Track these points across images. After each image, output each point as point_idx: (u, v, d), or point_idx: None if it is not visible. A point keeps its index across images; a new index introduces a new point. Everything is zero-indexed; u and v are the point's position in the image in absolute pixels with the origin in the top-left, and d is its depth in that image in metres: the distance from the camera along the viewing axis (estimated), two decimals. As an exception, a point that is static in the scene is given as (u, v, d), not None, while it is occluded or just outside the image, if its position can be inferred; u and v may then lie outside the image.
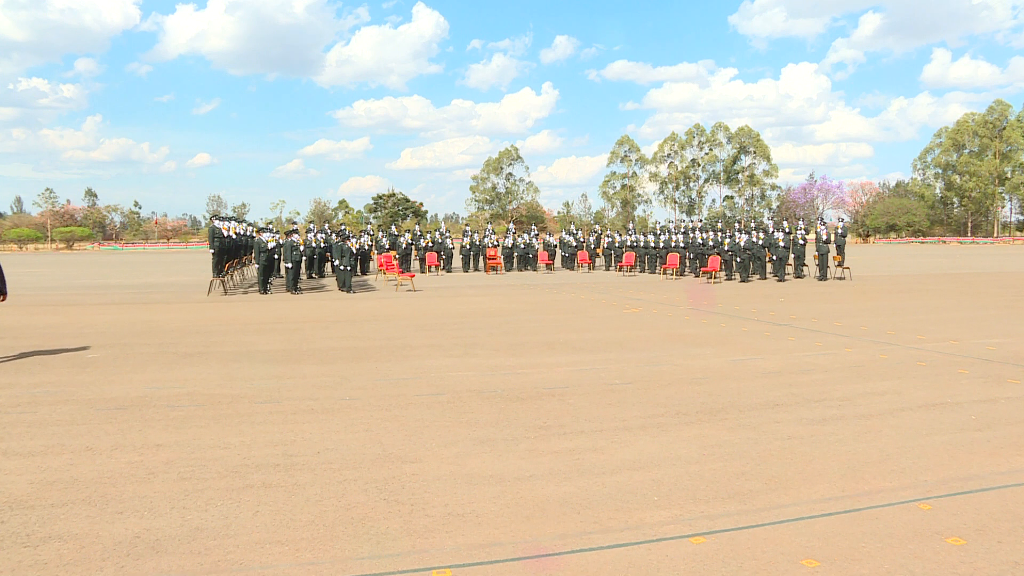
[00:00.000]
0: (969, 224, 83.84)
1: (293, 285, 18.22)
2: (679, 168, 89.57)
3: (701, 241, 24.08)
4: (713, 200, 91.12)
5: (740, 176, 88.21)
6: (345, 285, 18.63)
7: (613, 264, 29.84)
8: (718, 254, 22.56)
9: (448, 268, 28.66)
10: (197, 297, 17.18)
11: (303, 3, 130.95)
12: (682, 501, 4.05)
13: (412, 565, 3.31)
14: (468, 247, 28.96)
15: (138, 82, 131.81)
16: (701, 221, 37.20)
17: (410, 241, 28.33)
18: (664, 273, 24.76)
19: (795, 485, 4.29)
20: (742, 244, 21.89)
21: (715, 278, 22.00)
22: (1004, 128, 79.28)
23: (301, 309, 14.38)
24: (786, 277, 22.25)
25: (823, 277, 21.50)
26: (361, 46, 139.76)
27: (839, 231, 22.75)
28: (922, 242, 79.27)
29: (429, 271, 27.08)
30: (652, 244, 26.63)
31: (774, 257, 22.08)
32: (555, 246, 33.42)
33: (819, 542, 3.50)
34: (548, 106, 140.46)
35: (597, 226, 53.64)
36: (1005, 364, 7.95)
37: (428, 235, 28.76)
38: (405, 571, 3.26)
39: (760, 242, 22.10)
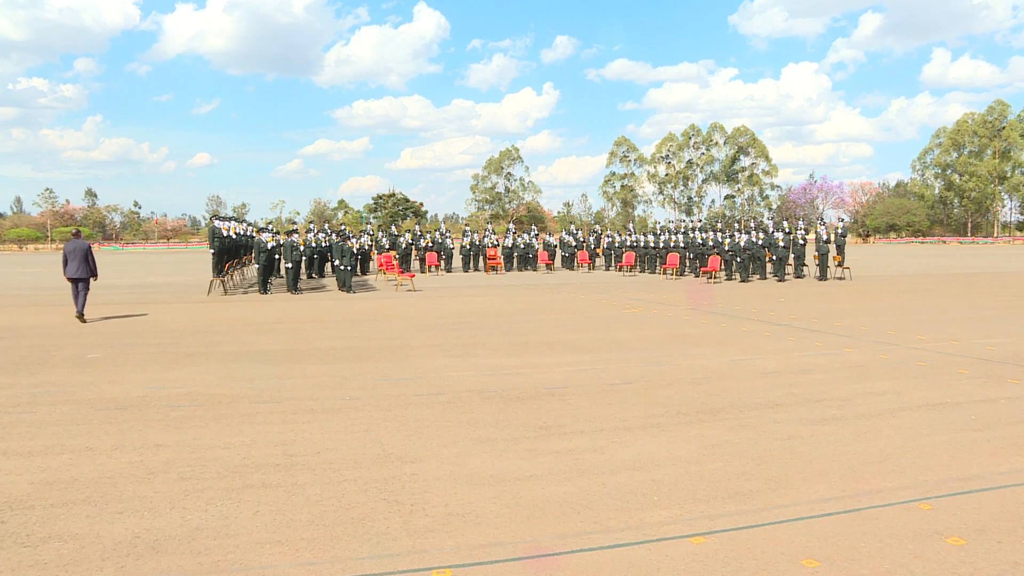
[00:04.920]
0: (969, 224, 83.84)
1: (293, 285, 18.22)
2: (676, 168, 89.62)
3: (701, 241, 24.08)
4: (712, 200, 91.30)
5: (740, 176, 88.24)
6: (345, 285, 18.63)
7: (613, 264, 29.84)
8: (718, 254, 22.56)
9: (448, 268, 28.66)
10: (197, 297, 17.18)
11: (302, 3, 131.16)
12: (682, 501, 4.05)
13: (412, 565, 3.31)
14: (468, 247, 28.95)
15: (138, 82, 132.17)
16: (701, 221, 37.15)
17: (410, 241, 28.32)
18: (664, 273, 24.76)
19: (795, 485, 4.29)
20: (742, 244, 21.88)
21: (715, 278, 22.00)
22: (1003, 128, 79.26)
23: (301, 309, 14.38)
24: (786, 277, 22.25)
25: (823, 277, 21.50)
26: (361, 46, 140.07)
27: (839, 231, 22.75)
28: (922, 242, 79.26)
29: (429, 271, 27.08)
30: (652, 244, 26.63)
31: (774, 257, 22.08)
32: (555, 246, 33.41)
33: (819, 542, 3.50)
34: (548, 106, 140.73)
35: (597, 226, 53.61)
36: (1005, 364, 7.95)
37: (428, 235, 28.75)
38: (405, 571, 3.26)
39: (760, 242, 22.09)
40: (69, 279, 12.24)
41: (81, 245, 12.40)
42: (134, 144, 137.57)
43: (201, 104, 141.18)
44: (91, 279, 12.39)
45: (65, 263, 12.24)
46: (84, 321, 12.15)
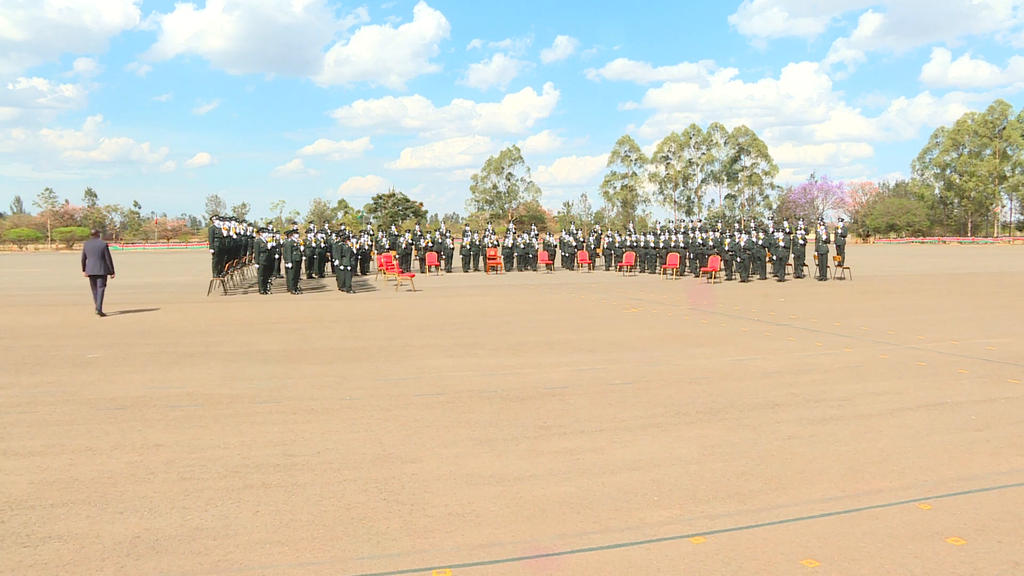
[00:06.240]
0: (969, 224, 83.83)
1: (293, 285, 18.22)
2: (677, 168, 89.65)
3: (701, 241, 24.08)
4: (712, 200, 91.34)
5: (740, 176, 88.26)
6: (345, 285, 18.63)
7: (613, 264, 29.84)
8: (718, 254, 22.56)
9: (448, 268, 28.66)
10: (197, 297, 17.18)
11: (302, 3, 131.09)
12: (682, 501, 4.05)
13: (412, 565, 3.31)
14: (468, 247, 28.95)
15: (137, 82, 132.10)
16: (701, 221, 37.15)
17: (410, 241, 28.32)
18: (664, 273, 24.76)
19: (795, 485, 4.29)
20: (742, 244, 21.88)
21: (715, 278, 22.00)
22: (1004, 128, 79.24)
23: (301, 309, 14.38)
24: (786, 277, 22.25)
25: (823, 277, 21.50)
26: (360, 46, 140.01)
27: (839, 231, 22.75)
28: (922, 242, 79.26)
29: (429, 271, 27.08)
30: (652, 244, 26.64)
31: (774, 257, 22.08)
32: (555, 246, 33.41)
33: (819, 542, 3.50)
34: (549, 106, 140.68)
35: (597, 226, 53.62)
36: (1005, 364, 7.95)
37: (428, 235, 28.75)
38: (405, 571, 3.26)
39: (760, 242, 22.09)
40: (88, 276, 13.12)
41: (99, 244, 13.32)
42: (134, 144, 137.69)
43: (201, 104, 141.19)
44: (108, 276, 13.28)
45: (84, 261, 13.13)
46: (103, 315, 12.99)
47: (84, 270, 13.13)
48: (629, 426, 5.58)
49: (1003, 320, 11.86)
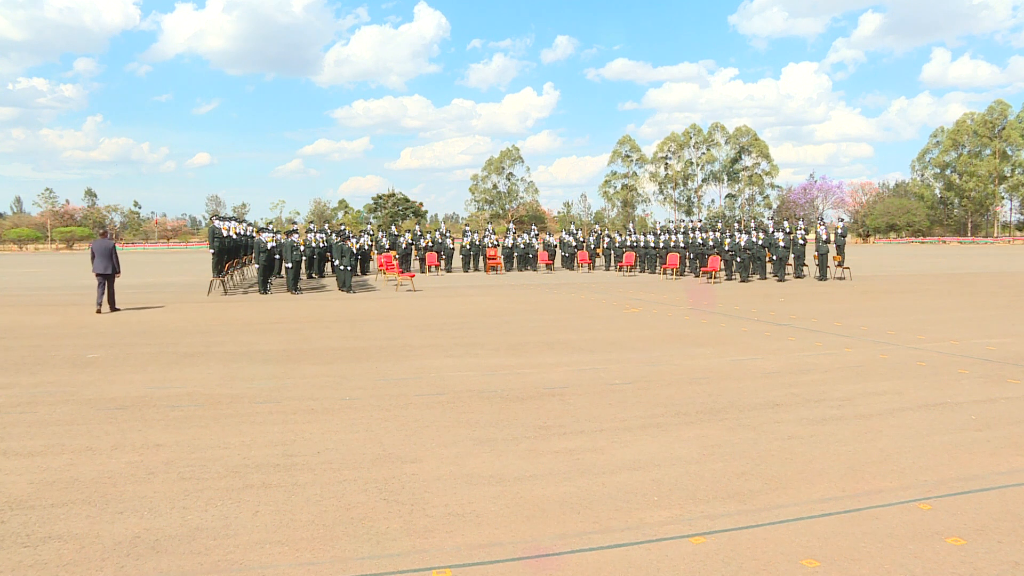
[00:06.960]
0: (969, 224, 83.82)
1: (293, 285, 18.22)
2: (677, 168, 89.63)
3: (701, 241, 24.08)
4: (712, 200, 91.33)
5: (740, 176, 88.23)
6: (345, 285, 18.63)
7: (613, 264, 29.84)
8: (718, 254, 22.56)
9: (448, 268, 28.66)
10: (197, 297, 17.17)
11: (302, 3, 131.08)
12: (682, 501, 4.06)
13: (412, 565, 3.31)
14: (468, 247, 28.95)
15: (137, 82, 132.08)
16: (701, 221, 37.12)
17: (410, 241, 28.33)
18: (664, 273, 24.76)
19: (795, 485, 4.29)
20: (742, 244, 21.88)
21: (715, 278, 22.00)
22: (1003, 128, 79.22)
23: (301, 309, 14.38)
24: (786, 277, 22.24)
25: (823, 277, 21.50)
26: (360, 46, 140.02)
27: (839, 231, 22.75)
28: (922, 242, 79.25)
29: (429, 271, 27.08)
30: (652, 244, 26.64)
31: (774, 257, 22.08)
32: (555, 246, 33.41)
33: (819, 542, 3.50)
34: (549, 106, 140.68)
35: (597, 226, 53.63)
36: (1005, 364, 7.95)
37: (428, 235, 28.76)
38: (405, 571, 3.26)
39: (760, 242, 22.09)
40: (96, 275, 13.56)
41: (107, 244, 13.79)
42: (134, 144, 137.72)
43: (201, 104, 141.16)
44: (115, 275, 13.73)
45: (93, 259, 13.65)
46: (116, 310, 13.69)
47: (92, 268, 13.51)
48: (629, 426, 5.58)
49: (1003, 320, 11.85)
